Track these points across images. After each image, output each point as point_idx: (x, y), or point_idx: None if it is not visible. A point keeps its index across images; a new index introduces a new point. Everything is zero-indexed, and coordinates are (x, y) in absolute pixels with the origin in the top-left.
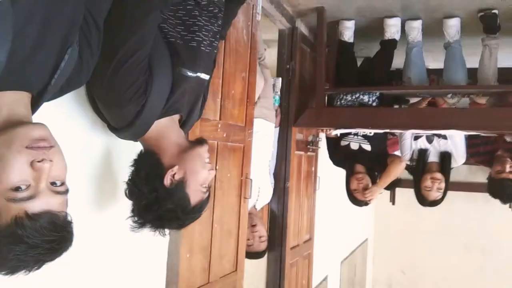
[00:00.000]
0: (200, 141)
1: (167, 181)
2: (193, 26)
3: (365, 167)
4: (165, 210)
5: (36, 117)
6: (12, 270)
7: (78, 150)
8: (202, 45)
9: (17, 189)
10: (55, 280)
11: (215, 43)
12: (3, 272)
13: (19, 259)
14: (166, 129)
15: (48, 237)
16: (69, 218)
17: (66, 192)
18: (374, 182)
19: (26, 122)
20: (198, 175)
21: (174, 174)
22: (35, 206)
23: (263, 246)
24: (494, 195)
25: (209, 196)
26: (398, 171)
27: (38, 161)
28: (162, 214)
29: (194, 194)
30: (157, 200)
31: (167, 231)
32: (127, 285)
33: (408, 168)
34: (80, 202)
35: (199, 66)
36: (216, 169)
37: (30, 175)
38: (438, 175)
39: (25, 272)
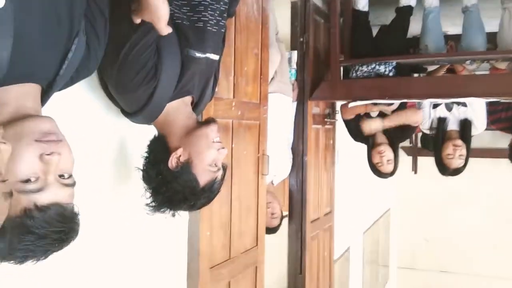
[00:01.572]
0: (206, 121)
1: (171, 164)
2: (199, 6)
3: (387, 137)
4: (173, 192)
5: (50, 105)
6: (21, 260)
7: (94, 136)
8: (209, 25)
9: (27, 181)
10: (79, 259)
11: (222, 22)
12: (12, 261)
13: (28, 249)
14: (175, 111)
15: (56, 228)
16: (76, 210)
17: (73, 184)
18: (396, 154)
19: (35, 115)
20: (203, 155)
21: (179, 156)
22: (44, 198)
23: (275, 222)
24: None
25: (223, 175)
26: (412, 116)
27: (47, 154)
28: (170, 196)
29: (202, 175)
30: (164, 182)
31: (180, 212)
32: (150, 264)
33: (423, 139)
34: (98, 186)
35: (207, 46)
36: (232, 147)
37: (39, 167)
38: (459, 142)
39: (33, 261)
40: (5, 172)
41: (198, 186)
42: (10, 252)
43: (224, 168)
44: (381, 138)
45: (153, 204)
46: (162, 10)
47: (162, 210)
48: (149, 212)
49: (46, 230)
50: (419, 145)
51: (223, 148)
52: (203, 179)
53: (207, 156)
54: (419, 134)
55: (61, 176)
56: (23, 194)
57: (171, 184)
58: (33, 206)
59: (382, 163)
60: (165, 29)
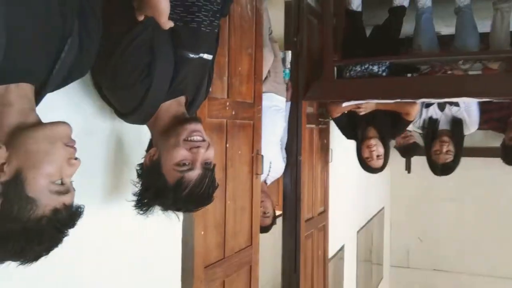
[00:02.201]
0: (183, 120)
1: (145, 161)
2: (192, 6)
3: (378, 131)
4: (149, 191)
5: (43, 105)
6: (35, 258)
7: (87, 136)
8: (203, 25)
9: (61, 183)
10: (74, 259)
11: (215, 22)
12: (26, 260)
13: (47, 248)
14: (166, 111)
15: (72, 225)
16: (83, 210)
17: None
18: (386, 150)
19: (60, 121)
20: (169, 154)
21: (153, 155)
22: (69, 199)
23: (267, 221)
24: (508, 161)
25: (208, 176)
26: (407, 106)
27: (74, 159)
28: (148, 196)
29: (169, 174)
30: (141, 182)
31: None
32: (144, 263)
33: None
34: (91, 187)
35: (200, 47)
36: (226, 147)
37: (65, 170)
38: (446, 138)
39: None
40: (33, 173)
41: (166, 185)
42: (28, 251)
43: (208, 169)
44: (372, 132)
45: (135, 200)
46: (163, 4)
47: (140, 207)
48: (134, 208)
49: (67, 227)
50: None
51: (198, 147)
52: (169, 178)
53: (173, 155)
54: None
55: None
56: (55, 195)
57: (144, 182)
58: (63, 206)
59: (371, 157)
60: (167, 24)
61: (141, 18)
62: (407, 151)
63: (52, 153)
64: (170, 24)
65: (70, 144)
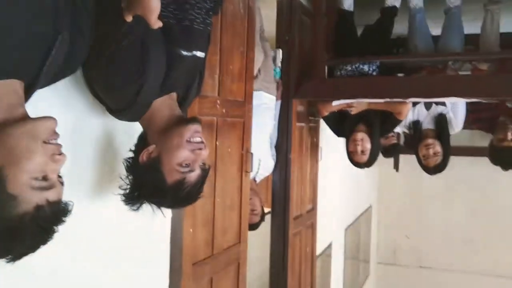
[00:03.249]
0: (186, 120)
1: (142, 158)
2: (185, 4)
3: (367, 127)
4: (141, 187)
5: (35, 103)
6: (18, 257)
7: (78, 133)
8: (195, 23)
9: (43, 178)
10: (61, 256)
11: (208, 20)
12: (8, 259)
13: (30, 246)
14: (159, 108)
15: (58, 224)
16: (71, 207)
17: (63, 183)
18: (374, 146)
19: (44, 116)
20: (172, 154)
21: (151, 152)
22: (53, 195)
23: (255, 219)
24: (495, 162)
25: (203, 177)
26: (399, 105)
27: (58, 154)
28: (139, 190)
29: (169, 174)
30: (134, 176)
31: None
32: (132, 262)
33: (406, 137)
34: (81, 183)
35: (193, 45)
36: (216, 144)
37: (49, 166)
38: (429, 140)
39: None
40: (14, 169)
41: (165, 184)
42: (11, 249)
43: (205, 170)
44: (362, 128)
45: (126, 195)
46: (154, 2)
47: (131, 202)
48: (123, 202)
49: (51, 224)
50: (401, 143)
51: (199, 149)
52: (170, 178)
53: (175, 156)
54: (401, 132)
55: (59, 175)
56: (37, 191)
57: (139, 178)
58: (46, 202)
59: (356, 151)
60: (156, 23)
61: (129, 18)
62: (388, 152)
63: (32, 149)
64: (159, 23)
65: (53, 139)
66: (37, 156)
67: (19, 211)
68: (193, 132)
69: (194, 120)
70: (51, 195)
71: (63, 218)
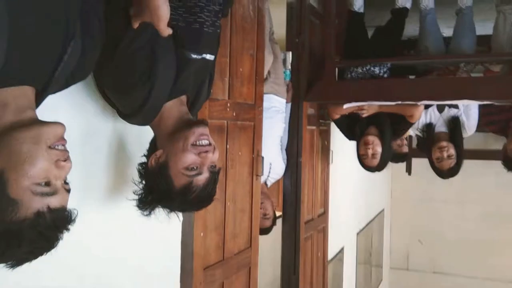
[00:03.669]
0: (191, 123)
1: (150, 163)
2: (195, 7)
3: (379, 130)
4: (150, 191)
5: (46, 107)
6: (19, 262)
7: (89, 137)
8: (205, 26)
9: (45, 184)
10: (72, 259)
11: (217, 23)
12: (8, 265)
13: (31, 252)
14: (169, 112)
15: (60, 231)
16: (76, 215)
17: (70, 190)
18: (385, 150)
19: (50, 122)
20: (178, 158)
21: (159, 157)
22: (56, 202)
23: (267, 223)
24: (509, 169)
25: (213, 180)
26: (411, 109)
27: (63, 161)
28: (149, 195)
29: (176, 178)
30: (144, 183)
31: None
32: (143, 265)
33: (418, 139)
34: (93, 187)
35: (203, 47)
36: (226, 148)
37: (53, 172)
38: (444, 143)
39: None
40: (15, 174)
41: (173, 188)
42: (10, 254)
43: (213, 172)
44: (373, 131)
45: (138, 200)
46: (163, 10)
47: (143, 207)
48: (136, 207)
49: (52, 232)
50: (413, 146)
51: (206, 152)
52: (177, 182)
53: (181, 159)
54: (413, 136)
55: (65, 182)
56: (38, 196)
57: (148, 183)
58: (47, 208)
59: (366, 155)
60: (166, 30)
61: (136, 25)
62: (397, 159)
63: (35, 154)
64: (169, 31)
65: (59, 144)
66: (39, 161)
67: (19, 216)
68: (199, 135)
69: (200, 123)
70: (53, 202)
71: (66, 226)
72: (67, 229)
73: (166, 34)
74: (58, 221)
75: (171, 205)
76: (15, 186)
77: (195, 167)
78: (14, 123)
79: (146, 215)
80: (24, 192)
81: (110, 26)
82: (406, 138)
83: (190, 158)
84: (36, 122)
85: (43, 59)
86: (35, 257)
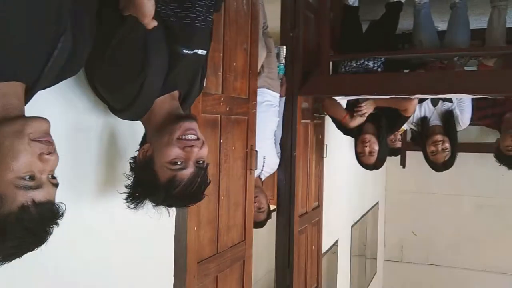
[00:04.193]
0: (178, 118)
1: (138, 157)
2: (186, 2)
3: (375, 127)
4: (140, 186)
5: (37, 102)
6: (6, 258)
7: (80, 132)
8: (197, 21)
9: (29, 178)
10: (64, 254)
11: (209, 18)
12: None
13: (17, 247)
14: (160, 107)
15: (46, 226)
16: (64, 209)
17: (58, 184)
18: (382, 147)
19: (35, 116)
20: (161, 152)
21: (146, 151)
22: (41, 195)
23: (262, 216)
24: (501, 163)
25: (201, 175)
26: (405, 102)
27: (47, 154)
28: (137, 190)
29: (161, 172)
30: (133, 176)
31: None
32: (136, 260)
33: (413, 133)
34: (84, 182)
35: (195, 42)
36: (220, 142)
37: (37, 166)
38: (438, 137)
39: (12, 260)
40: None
41: (158, 182)
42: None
43: (201, 168)
44: (369, 128)
45: (127, 194)
46: (147, 8)
47: (131, 201)
48: (124, 202)
49: (38, 226)
50: (407, 139)
51: (191, 146)
52: (161, 176)
53: (165, 154)
54: (408, 129)
55: (52, 176)
56: (24, 190)
57: (136, 177)
58: (31, 202)
59: (364, 153)
60: (150, 24)
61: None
62: (389, 153)
63: (17, 148)
64: (154, 23)
65: (43, 139)
66: (22, 154)
67: (3, 210)
68: (185, 130)
69: (186, 117)
70: (37, 195)
71: (54, 220)
72: (56, 223)
73: (151, 27)
74: (44, 215)
75: (156, 199)
76: None
77: (179, 162)
78: (1, 118)
79: (132, 208)
80: (7, 186)
81: (102, 21)
82: (401, 134)
83: (174, 152)
84: (20, 117)
85: (33, 55)
86: (23, 252)
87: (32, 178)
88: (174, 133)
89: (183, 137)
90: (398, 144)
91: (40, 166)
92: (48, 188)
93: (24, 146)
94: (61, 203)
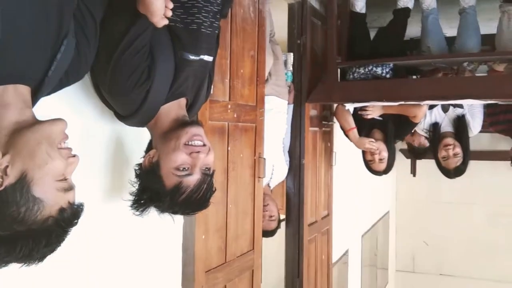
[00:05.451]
0: (184, 123)
1: (144, 163)
2: (192, 8)
3: (383, 133)
4: (145, 192)
5: (44, 109)
6: (42, 258)
7: (87, 138)
8: (203, 27)
9: (64, 180)
10: (72, 263)
11: (215, 24)
12: (30, 263)
13: (54, 247)
14: (166, 114)
15: (74, 225)
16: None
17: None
18: (391, 153)
19: (57, 118)
20: (168, 157)
21: (152, 157)
22: (73, 197)
23: (273, 225)
24: None
25: (207, 181)
26: (414, 108)
27: (72, 157)
28: (144, 197)
29: (167, 178)
30: (139, 182)
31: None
32: (144, 268)
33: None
34: (91, 189)
35: (201, 48)
36: (228, 150)
37: (66, 169)
38: (449, 140)
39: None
40: (39, 173)
41: (163, 188)
42: (36, 251)
43: (207, 175)
44: (377, 135)
45: (132, 201)
46: (154, 5)
47: (136, 208)
48: (130, 209)
49: (70, 226)
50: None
51: (197, 152)
52: (167, 182)
53: (172, 159)
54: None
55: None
56: (61, 192)
57: (142, 183)
58: (68, 204)
59: (374, 160)
60: (160, 22)
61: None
62: (418, 154)
63: (53, 154)
64: (164, 21)
65: (64, 141)
66: (57, 159)
67: (43, 214)
68: (192, 135)
69: (193, 123)
70: (71, 197)
71: (79, 219)
72: (78, 223)
73: (160, 25)
74: (76, 215)
75: (161, 206)
76: (40, 185)
77: (186, 168)
78: (18, 122)
79: (138, 215)
80: (49, 189)
81: (108, 26)
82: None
83: (180, 157)
84: (44, 122)
85: (37, 57)
86: (53, 252)
87: (65, 180)
88: (180, 138)
89: (190, 143)
90: (427, 143)
91: (69, 168)
92: (74, 189)
93: (57, 152)
94: (82, 202)
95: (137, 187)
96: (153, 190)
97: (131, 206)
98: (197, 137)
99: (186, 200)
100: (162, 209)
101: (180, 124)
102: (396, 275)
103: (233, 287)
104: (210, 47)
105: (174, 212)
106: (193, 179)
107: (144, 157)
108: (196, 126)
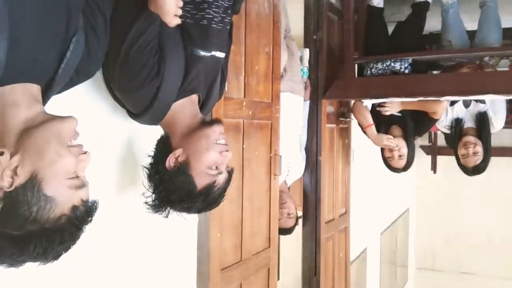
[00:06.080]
0: (210, 121)
1: (169, 163)
2: (203, 3)
3: (402, 129)
4: (169, 193)
5: (57, 107)
6: (56, 257)
7: (101, 138)
8: (213, 22)
9: (75, 177)
10: (88, 261)
11: (227, 19)
12: (45, 261)
13: (68, 245)
14: (180, 111)
15: (89, 222)
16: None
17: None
18: (410, 149)
19: (67, 116)
20: (201, 156)
21: (178, 156)
22: (85, 194)
23: (290, 222)
24: None
25: (228, 180)
26: (434, 105)
27: (83, 154)
28: (166, 197)
29: (200, 177)
30: (161, 182)
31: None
32: (159, 266)
33: (446, 136)
34: (105, 185)
35: (212, 44)
36: (243, 147)
37: (77, 166)
38: (470, 138)
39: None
40: (49, 172)
41: (195, 188)
42: (51, 250)
43: (229, 172)
44: (396, 131)
45: (151, 203)
46: (168, 6)
47: (159, 210)
48: (148, 211)
49: (84, 223)
50: (438, 143)
51: (226, 150)
52: (200, 182)
53: (205, 158)
54: (439, 133)
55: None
56: (73, 190)
57: (167, 184)
58: (80, 201)
59: (393, 157)
60: (173, 22)
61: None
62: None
63: (63, 152)
64: (177, 21)
65: (74, 138)
66: (67, 157)
67: (56, 212)
68: (219, 134)
69: (218, 121)
70: (84, 194)
71: (93, 217)
72: (92, 220)
73: (173, 25)
74: (89, 212)
75: (192, 206)
76: (52, 183)
77: (217, 166)
78: (28, 120)
79: (165, 217)
80: (60, 187)
81: (116, 22)
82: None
83: (214, 156)
84: (53, 119)
85: (47, 55)
86: (67, 250)
87: (77, 177)
88: (210, 137)
89: (218, 141)
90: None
91: (80, 165)
92: (87, 186)
93: (67, 149)
94: (96, 199)
95: (156, 190)
96: (184, 191)
97: (153, 209)
98: (222, 135)
99: (216, 198)
100: (192, 210)
101: (206, 123)
102: (416, 272)
103: (249, 285)
104: (221, 43)
105: (199, 211)
106: (222, 177)
107: (160, 157)
108: (220, 124)
